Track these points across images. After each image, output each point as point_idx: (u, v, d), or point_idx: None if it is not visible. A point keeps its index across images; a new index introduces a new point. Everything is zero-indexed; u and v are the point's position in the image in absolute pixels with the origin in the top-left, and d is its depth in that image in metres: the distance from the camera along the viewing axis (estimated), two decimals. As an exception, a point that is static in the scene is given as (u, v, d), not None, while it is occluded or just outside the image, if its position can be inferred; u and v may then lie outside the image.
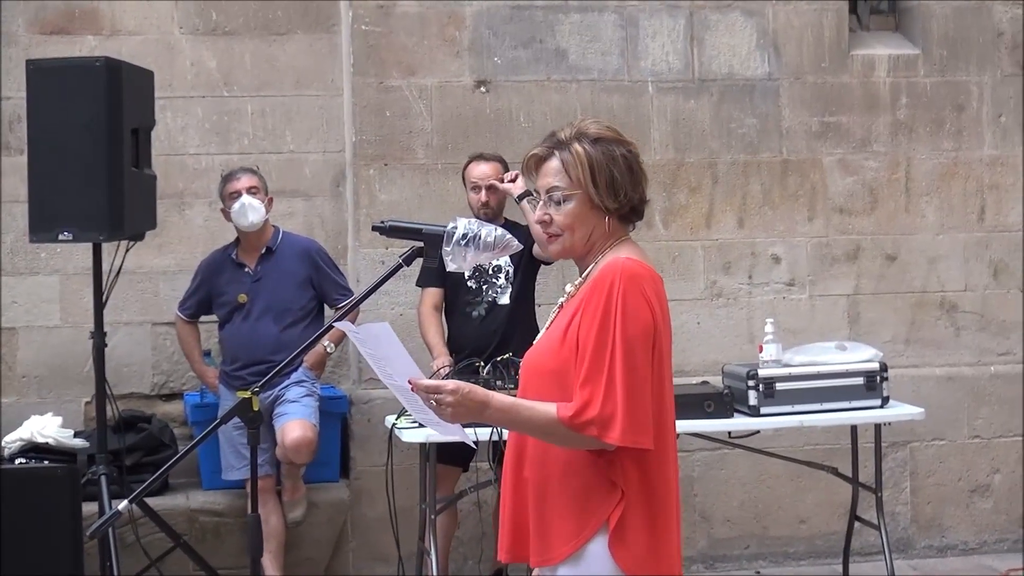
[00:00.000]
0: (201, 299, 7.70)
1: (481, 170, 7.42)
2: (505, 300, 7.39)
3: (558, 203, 3.84)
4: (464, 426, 3.94)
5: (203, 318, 7.77)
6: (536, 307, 7.47)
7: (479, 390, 3.74)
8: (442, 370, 6.97)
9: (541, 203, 3.88)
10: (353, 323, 4.64)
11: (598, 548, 3.75)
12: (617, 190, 3.83)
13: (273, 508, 7.51)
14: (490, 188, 7.37)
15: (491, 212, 7.31)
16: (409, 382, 3.74)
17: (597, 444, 3.70)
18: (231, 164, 7.89)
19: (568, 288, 3.94)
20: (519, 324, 7.24)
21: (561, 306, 3.94)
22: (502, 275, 7.40)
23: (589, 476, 3.75)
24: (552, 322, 3.94)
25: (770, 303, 8.50)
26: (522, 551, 3.90)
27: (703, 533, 8.42)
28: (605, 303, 3.71)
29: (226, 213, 7.54)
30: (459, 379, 4.34)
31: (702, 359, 8.33)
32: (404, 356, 3.81)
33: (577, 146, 3.83)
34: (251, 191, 7.48)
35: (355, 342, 3.90)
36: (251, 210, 7.44)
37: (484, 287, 7.39)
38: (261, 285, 7.54)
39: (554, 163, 3.86)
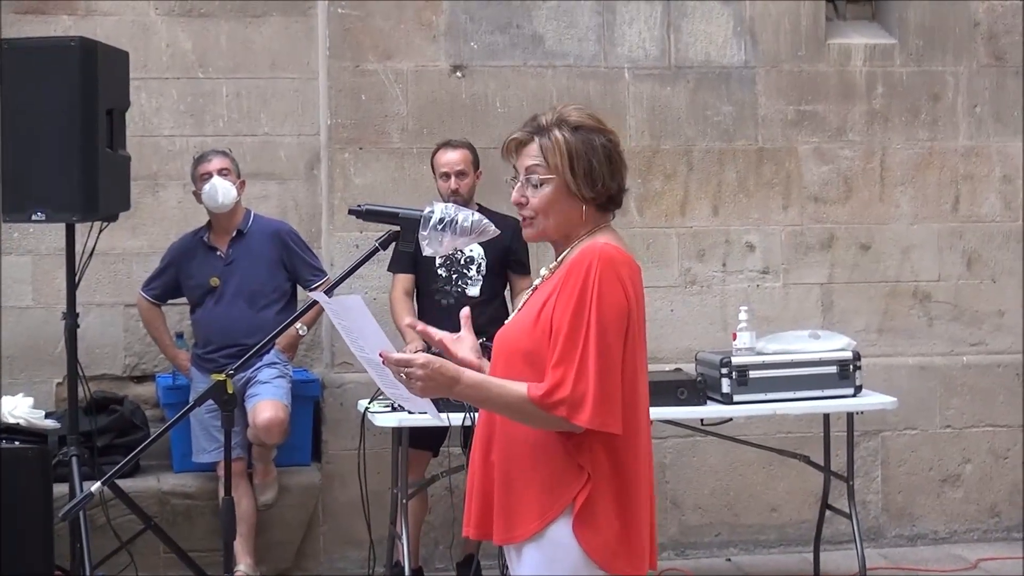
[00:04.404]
0: (168, 282, 7.67)
1: (449, 158, 7.41)
2: (474, 292, 7.36)
3: (535, 186, 3.84)
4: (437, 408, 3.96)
5: (174, 301, 7.75)
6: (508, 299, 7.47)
7: (450, 365, 3.74)
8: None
9: (519, 184, 3.88)
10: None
11: (563, 529, 3.74)
12: (595, 179, 3.83)
13: (244, 491, 7.49)
14: (459, 175, 7.36)
15: (461, 200, 7.25)
16: (380, 355, 3.73)
17: (566, 425, 3.70)
18: (205, 146, 7.86)
19: (543, 271, 3.93)
20: (488, 315, 7.17)
21: (535, 288, 3.94)
22: (474, 267, 7.38)
23: (557, 460, 3.75)
24: (525, 303, 3.94)
25: (744, 291, 8.50)
26: (489, 528, 3.90)
27: (674, 520, 8.43)
28: (581, 286, 3.71)
29: (197, 195, 7.53)
30: None
31: (675, 346, 8.33)
32: (376, 330, 3.81)
33: (557, 133, 3.82)
34: (222, 173, 7.46)
35: (329, 314, 3.92)
36: (221, 191, 7.43)
37: (454, 276, 7.37)
38: (233, 268, 7.52)
39: (534, 147, 3.85)
